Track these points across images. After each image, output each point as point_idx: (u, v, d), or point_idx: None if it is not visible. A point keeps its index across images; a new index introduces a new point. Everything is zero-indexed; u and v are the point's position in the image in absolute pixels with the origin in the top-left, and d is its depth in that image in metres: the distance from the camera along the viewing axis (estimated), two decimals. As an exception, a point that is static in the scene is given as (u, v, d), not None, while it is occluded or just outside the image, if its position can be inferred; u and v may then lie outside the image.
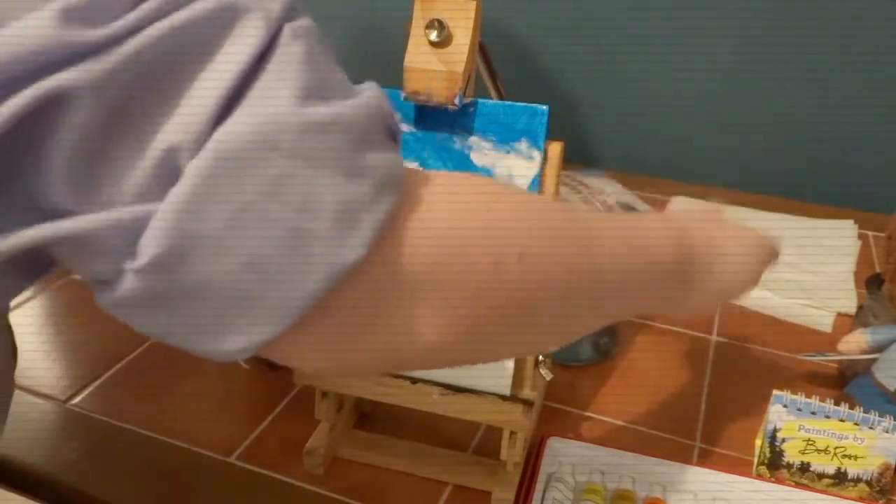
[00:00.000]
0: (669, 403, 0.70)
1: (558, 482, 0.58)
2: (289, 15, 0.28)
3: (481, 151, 0.56)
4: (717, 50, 1.12)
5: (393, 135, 0.31)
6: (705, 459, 0.64)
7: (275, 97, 0.26)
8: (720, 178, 1.15)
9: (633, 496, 0.58)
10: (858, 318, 0.76)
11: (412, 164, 0.57)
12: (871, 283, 0.77)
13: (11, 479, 0.62)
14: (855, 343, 0.68)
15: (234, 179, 0.25)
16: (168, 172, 0.25)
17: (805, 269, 0.92)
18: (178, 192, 0.25)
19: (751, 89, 1.13)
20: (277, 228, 0.26)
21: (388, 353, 0.32)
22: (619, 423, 0.68)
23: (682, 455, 0.64)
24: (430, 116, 0.56)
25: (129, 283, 0.26)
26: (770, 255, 0.54)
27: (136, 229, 0.25)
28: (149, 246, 0.25)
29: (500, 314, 0.34)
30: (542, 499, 0.57)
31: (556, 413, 0.69)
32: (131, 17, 0.24)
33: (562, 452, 0.61)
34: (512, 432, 0.58)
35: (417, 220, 0.30)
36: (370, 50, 1.32)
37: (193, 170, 0.24)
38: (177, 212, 0.25)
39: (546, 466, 0.60)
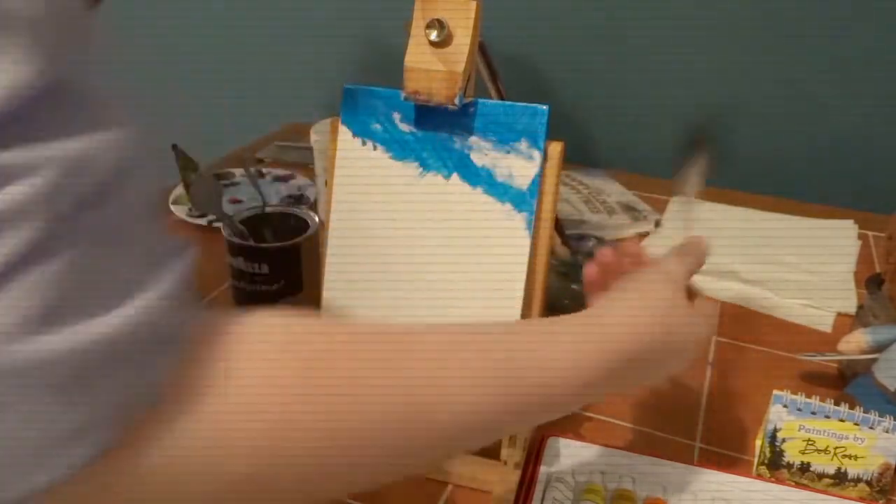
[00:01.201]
0: (669, 403, 0.70)
1: (558, 482, 0.58)
2: (95, 200, 0.26)
3: (481, 151, 0.56)
4: (717, 50, 1.12)
5: (172, 337, 0.29)
6: (705, 459, 0.64)
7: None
8: (720, 178, 1.15)
9: (633, 496, 0.58)
10: (858, 318, 0.76)
11: (412, 164, 0.57)
12: (871, 283, 0.77)
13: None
14: (855, 343, 0.68)
15: None
16: None
17: (805, 269, 0.92)
18: None
19: (751, 89, 1.13)
20: None
21: None
22: (619, 423, 0.68)
23: (682, 455, 0.64)
24: (430, 116, 0.56)
25: None
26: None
27: None
28: None
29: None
30: (542, 499, 0.57)
31: (556, 413, 0.69)
32: None
33: (562, 452, 0.61)
34: (512, 432, 0.58)
35: (160, 434, 0.29)
36: (370, 50, 1.32)
37: None
38: None
39: (546, 466, 0.60)
